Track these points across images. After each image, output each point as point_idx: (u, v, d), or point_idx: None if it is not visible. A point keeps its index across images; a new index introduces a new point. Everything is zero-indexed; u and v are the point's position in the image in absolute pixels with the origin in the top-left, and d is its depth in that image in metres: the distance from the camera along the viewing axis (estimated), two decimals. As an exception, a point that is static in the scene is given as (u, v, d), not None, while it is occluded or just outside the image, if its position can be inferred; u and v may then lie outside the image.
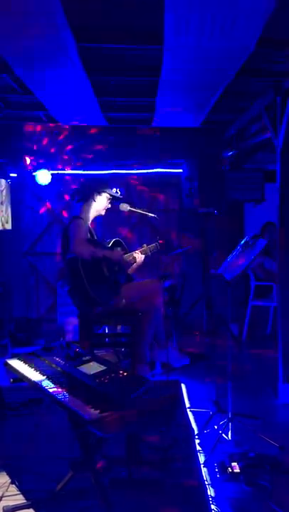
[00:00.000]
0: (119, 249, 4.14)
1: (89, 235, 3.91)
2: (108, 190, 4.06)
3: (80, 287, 3.66)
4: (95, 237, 4.02)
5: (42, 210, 7.60)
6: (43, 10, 3.15)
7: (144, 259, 4.33)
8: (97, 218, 4.29)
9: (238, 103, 5.78)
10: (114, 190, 4.17)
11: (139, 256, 4.22)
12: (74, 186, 7.28)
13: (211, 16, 3.18)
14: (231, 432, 3.86)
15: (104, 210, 4.11)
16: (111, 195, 4.08)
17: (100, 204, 4.04)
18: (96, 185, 4.04)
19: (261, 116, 5.26)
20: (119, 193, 4.24)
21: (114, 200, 4.18)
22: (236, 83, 4.71)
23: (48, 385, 2.79)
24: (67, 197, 7.21)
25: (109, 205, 4.13)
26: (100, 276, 3.78)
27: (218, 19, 3.23)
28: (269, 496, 3.10)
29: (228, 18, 3.23)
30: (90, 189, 4.02)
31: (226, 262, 4.13)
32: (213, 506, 3.00)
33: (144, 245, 4.38)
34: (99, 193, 4.01)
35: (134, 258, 4.19)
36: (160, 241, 4.47)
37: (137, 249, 4.30)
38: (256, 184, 7.20)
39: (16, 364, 3.23)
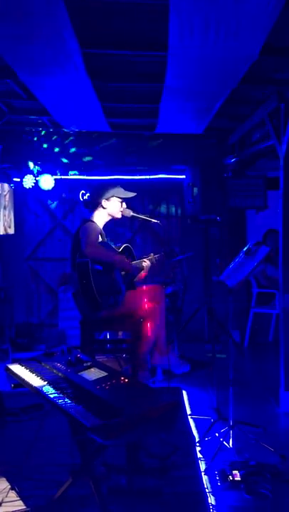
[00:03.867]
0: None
1: (100, 238, 3.90)
2: (117, 194, 4.02)
3: (86, 291, 3.65)
4: (106, 240, 4.01)
5: (44, 215, 7.61)
6: (48, 16, 3.16)
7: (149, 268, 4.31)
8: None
9: (241, 110, 5.79)
10: (121, 191, 4.08)
11: (147, 264, 4.21)
12: (75, 191, 7.30)
13: (216, 21, 3.18)
14: (232, 440, 3.84)
15: (120, 213, 4.07)
16: (121, 197, 4.05)
17: (112, 209, 4.01)
18: (104, 192, 4.01)
19: (264, 123, 5.26)
20: (131, 194, 4.14)
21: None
22: (239, 90, 4.72)
23: (49, 391, 2.78)
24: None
25: (124, 207, 4.07)
26: (108, 282, 3.77)
27: (223, 24, 3.23)
28: (270, 504, 3.08)
29: (233, 24, 3.23)
30: (98, 196, 4.00)
31: (228, 269, 4.12)
32: (213, 515, 2.98)
33: (151, 255, 4.36)
34: (107, 199, 3.99)
35: (142, 267, 4.18)
36: (162, 253, 4.44)
37: (144, 257, 4.28)
38: (259, 191, 7.21)
39: (17, 369, 3.22)
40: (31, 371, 3.12)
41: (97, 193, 4.02)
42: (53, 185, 6.88)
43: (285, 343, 4.67)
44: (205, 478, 3.40)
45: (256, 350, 6.84)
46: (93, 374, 2.90)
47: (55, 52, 3.75)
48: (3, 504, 3.07)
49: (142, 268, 4.18)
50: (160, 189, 7.65)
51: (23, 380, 3.05)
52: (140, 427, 2.40)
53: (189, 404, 4.80)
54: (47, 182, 6.84)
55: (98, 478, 2.95)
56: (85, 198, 4.06)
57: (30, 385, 2.94)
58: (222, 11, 3.05)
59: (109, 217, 4.05)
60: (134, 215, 4.22)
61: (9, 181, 6.83)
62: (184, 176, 7.49)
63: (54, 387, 2.80)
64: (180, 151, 7.36)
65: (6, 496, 3.16)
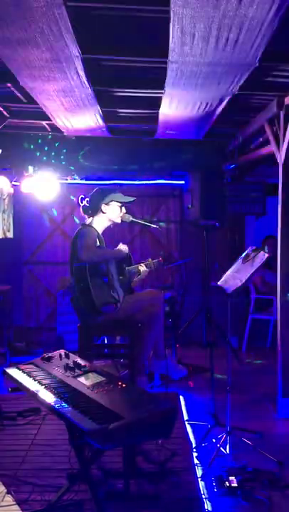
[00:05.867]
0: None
1: (98, 243, 3.90)
2: (116, 198, 4.02)
3: (84, 296, 3.66)
4: (104, 245, 4.01)
5: (43, 219, 7.62)
6: (50, 20, 3.17)
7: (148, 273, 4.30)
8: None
9: (241, 116, 5.81)
10: (121, 196, 4.07)
11: (143, 269, 4.21)
12: (76, 195, 7.31)
13: (217, 28, 3.20)
14: (229, 446, 3.84)
15: (120, 218, 4.07)
16: (120, 202, 4.05)
17: (111, 213, 4.01)
18: (102, 197, 4.01)
19: (264, 130, 5.28)
20: (130, 198, 4.14)
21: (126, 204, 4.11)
22: (239, 97, 4.73)
23: (46, 395, 2.78)
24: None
25: (123, 212, 4.07)
26: (106, 287, 3.78)
27: (224, 32, 3.25)
28: (267, 511, 3.08)
29: (233, 31, 3.25)
30: (97, 202, 4.01)
31: (227, 275, 4.13)
32: (210, 521, 2.98)
33: (150, 259, 4.36)
34: (107, 204, 4.00)
35: (139, 271, 4.18)
36: (160, 258, 4.43)
37: (141, 262, 4.27)
38: (258, 197, 7.23)
39: (15, 373, 3.22)
40: (29, 375, 3.12)
41: (97, 198, 4.03)
42: (52, 189, 6.87)
43: (283, 349, 4.67)
44: (202, 484, 3.40)
45: (254, 356, 6.84)
46: (91, 379, 2.90)
47: (56, 57, 3.77)
48: (-1, 508, 3.07)
49: (139, 272, 4.19)
50: (159, 194, 7.67)
51: (21, 384, 3.05)
52: (137, 432, 2.40)
53: (187, 409, 4.80)
54: (46, 186, 6.83)
55: (95, 483, 2.94)
56: (84, 203, 4.05)
57: (28, 389, 2.94)
58: (223, 18, 3.07)
59: (109, 223, 4.06)
60: (134, 220, 4.23)
61: (9, 185, 6.83)
62: (183, 182, 7.51)
63: (51, 392, 2.80)
64: (180, 157, 7.36)
65: (2, 500, 3.15)
